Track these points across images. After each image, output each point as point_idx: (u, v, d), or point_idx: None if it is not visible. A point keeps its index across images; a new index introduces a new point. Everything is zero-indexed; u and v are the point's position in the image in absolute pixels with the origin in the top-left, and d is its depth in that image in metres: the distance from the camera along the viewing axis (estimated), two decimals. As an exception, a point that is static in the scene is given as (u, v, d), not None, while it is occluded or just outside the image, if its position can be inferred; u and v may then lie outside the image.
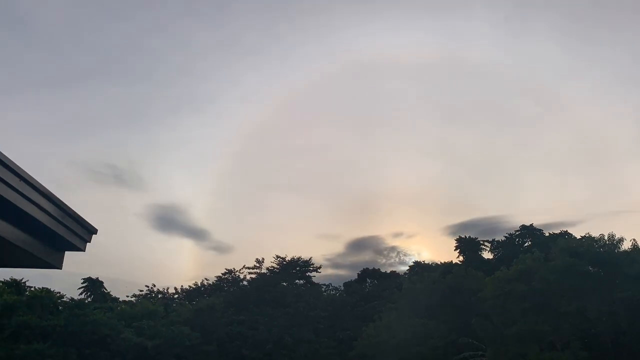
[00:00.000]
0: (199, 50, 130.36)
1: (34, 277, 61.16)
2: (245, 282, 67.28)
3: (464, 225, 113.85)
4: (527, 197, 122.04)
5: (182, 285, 74.91)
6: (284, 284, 65.76)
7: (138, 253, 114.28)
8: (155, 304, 63.26)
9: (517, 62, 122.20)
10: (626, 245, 49.05)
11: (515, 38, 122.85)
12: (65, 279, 68.90)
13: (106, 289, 71.35)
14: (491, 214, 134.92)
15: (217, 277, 71.31)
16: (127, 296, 71.01)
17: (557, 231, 71.05)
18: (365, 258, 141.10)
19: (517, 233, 75.40)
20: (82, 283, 69.85)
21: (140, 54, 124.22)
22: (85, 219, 5.81)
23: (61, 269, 6.02)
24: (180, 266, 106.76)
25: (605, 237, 49.48)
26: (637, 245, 48.36)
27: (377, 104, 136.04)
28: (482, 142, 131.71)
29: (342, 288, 73.61)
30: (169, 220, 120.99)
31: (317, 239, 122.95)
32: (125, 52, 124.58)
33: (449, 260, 71.87)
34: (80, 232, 5.75)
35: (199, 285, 73.07)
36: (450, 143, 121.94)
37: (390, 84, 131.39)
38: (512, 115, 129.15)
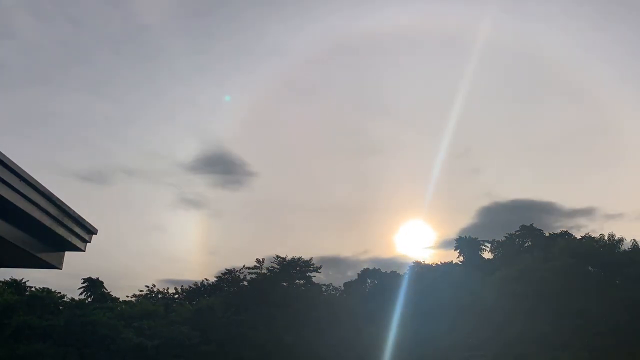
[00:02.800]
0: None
1: (34, 277, 61.24)
2: (245, 282, 67.27)
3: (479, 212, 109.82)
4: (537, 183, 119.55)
5: (182, 285, 75.03)
6: (284, 284, 65.71)
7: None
8: (155, 304, 63.26)
9: (528, 39, 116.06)
10: (626, 246, 49.17)
11: (525, 12, 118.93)
12: (65, 279, 69.05)
13: (106, 289, 71.37)
14: (505, 199, 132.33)
15: (216, 277, 71.45)
16: (127, 296, 71.12)
17: (558, 231, 71.18)
18: (364, 257, 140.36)
19: (517, 233, 75.40)
20: (82, 283, 69.86)
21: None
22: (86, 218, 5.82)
23: (61, 269, 6.02)
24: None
25: (605, 237, 49.57)
26: (637, 246, 48.43)
27: (380, 84, 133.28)
28: (493, 124, 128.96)
29: (342, 288, 73.62)
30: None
31: (317, 237, 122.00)
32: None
33: (449, 260, 71.98)
34: (80, 232, 5.76)
35: (199, 285, 73.11)
36: (459, 124, 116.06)
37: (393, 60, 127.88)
38: (520, 95, 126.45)
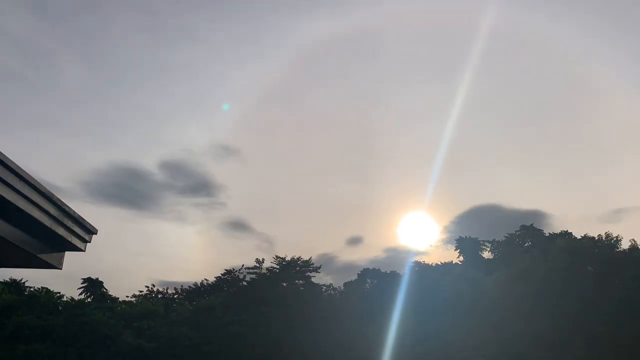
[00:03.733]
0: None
1: (34, 277, 61.28)
2: (244, 283, 67.30)
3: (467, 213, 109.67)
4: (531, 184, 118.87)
5: (182, 286, 75.07)
6: (284, 284, 65.70)
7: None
8: (155, 304, 63.25)
9: (529, 36, 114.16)
10: (625, 245, 49.21)
11: (527, 6, 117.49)
12: (65, 279, 69.03)
13: (106, 289, 71.39)
14: (496, 202, 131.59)
15: (216, 277, 71.50)
16: (127, 296, 71.13)
17: (558, 231, 71.11)
18: (360, 257, 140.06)
19: (517, 233, 75.37)
20: (82, 283, 69.85)
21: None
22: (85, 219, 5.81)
23: (61, 269, 6.01)
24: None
25: (604, 237, 49.62)
26: (636, 246, 48.45)
27: (377, 76, 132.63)
28: (492, 121, 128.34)
29: (342, 288, 73.56)
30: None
31: (318, 236, 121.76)
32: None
33: (449, 260, 71.97)
34: (80, 232, 5.75)
35: (199, 285, 73.16)
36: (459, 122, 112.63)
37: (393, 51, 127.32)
38: (520, 93, 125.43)
